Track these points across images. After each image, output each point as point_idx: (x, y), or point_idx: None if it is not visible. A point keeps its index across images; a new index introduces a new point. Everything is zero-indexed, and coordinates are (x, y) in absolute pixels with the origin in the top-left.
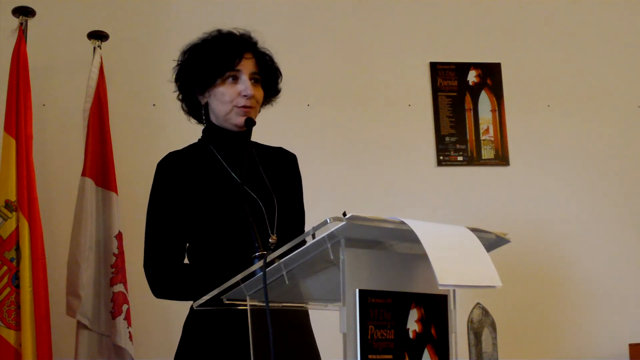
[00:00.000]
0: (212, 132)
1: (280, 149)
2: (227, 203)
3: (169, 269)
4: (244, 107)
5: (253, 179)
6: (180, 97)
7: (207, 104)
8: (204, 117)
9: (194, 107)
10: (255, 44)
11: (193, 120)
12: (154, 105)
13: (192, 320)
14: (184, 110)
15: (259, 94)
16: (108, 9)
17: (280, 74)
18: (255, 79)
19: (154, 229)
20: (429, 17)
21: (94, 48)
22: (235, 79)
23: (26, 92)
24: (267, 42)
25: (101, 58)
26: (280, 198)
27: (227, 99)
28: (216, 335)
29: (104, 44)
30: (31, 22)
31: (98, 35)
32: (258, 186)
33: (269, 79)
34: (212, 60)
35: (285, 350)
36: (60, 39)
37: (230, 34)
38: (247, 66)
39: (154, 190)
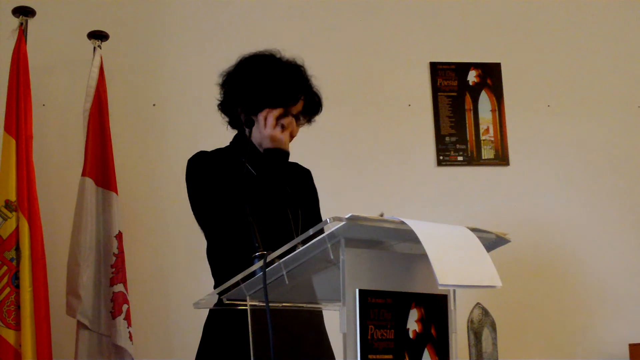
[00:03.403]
0: (245, 145)
1: (296, 164)
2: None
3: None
4: None
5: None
6: (220, 102)
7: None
8: (243, 128)
9: (232, 115)
10: (309, 84)
11: (229, 128)
12: (154, 105)
13: (212, 322)
14: (219, 108)
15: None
16: (108, 9)
17: (322, 108)
18: (298, 117)
19: (211, 214)
20: (429, 17)
21: (94, 48)
22: (283, 116)
23: (26, 92)
24: (266, 43)
25: (101, 58)
26: (303, 208)
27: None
28: (236, 336)
29: (104, 44)
30: (31, 22)
31: (98, 35)
32: (284, 198)
33: (309, 114)
34: (268, 93)
35: (301, 351)
36: (60, 39)
37: (293, 69)
38: (296, 107)
39: (194, 181)
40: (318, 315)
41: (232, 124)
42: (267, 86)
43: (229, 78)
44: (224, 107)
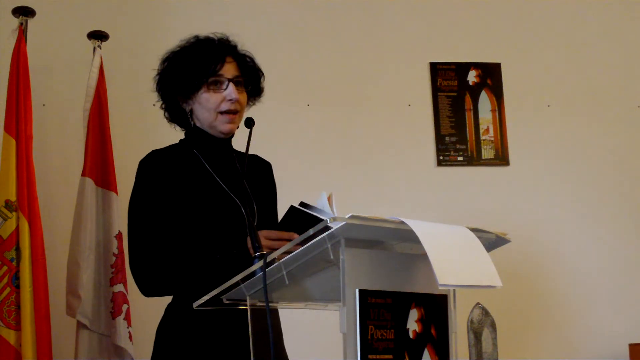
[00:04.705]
0: (197, 136)
1: (256, 156)
2: (214, 206)
3: (155, 266)
4: (229, 112)
5: (235, 183)
6: (162, 106)
7: (191, 110)
8: (191, 123)
9: (178, 114)
10: (234, 47)
11: (178, 128)
12: (154, 105)
13: (166, 323)
14: (166, 118)
15: (243, 97)
16: (108, 9)
17: (262, 73)
18: (238, 82)
19: (139, 228)
20: (429, 17)
21: (94, 48)
22: (219, 83)
23: (26, 92)
24: (267, 43)
25: (101, 58)
26: (259, 203)
27: (211, 105)
28: (190, 336)
29: (104, 44)
30: (31, 22)
31: (98, 35)
32: (239, 191)
33: (251, 80)
34: (193, 66)
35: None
36: (60, 39)
37: (208, 40)
38: (229, 70)
39: (138, 189)
40: (273, 314)
41: (179, 121)
42: (190, 60)
43: (160, 75)
44: (167, 104)
